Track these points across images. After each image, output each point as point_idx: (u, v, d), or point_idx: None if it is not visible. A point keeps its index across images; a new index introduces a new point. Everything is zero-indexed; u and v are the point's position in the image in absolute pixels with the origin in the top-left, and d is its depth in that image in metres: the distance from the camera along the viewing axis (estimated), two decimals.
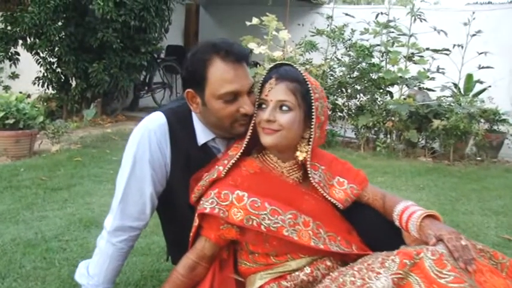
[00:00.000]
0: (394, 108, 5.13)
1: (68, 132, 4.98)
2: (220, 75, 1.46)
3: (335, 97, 5.65)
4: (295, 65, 1.53)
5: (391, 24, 5.45)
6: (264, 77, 1.52)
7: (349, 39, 5.51)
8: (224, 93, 1.46)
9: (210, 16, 10.35)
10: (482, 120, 5.29)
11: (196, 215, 1.46)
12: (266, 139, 1.45)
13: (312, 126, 1.47)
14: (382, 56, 5.52)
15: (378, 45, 5.35)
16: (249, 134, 1.50)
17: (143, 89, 7.47)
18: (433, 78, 5.21)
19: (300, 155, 1.49)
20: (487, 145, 5.21)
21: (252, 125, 1.50)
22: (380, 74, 5.41)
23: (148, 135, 1.55)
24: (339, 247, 1.46)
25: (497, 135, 5.38)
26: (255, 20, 5.70)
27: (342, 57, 5.52)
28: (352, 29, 5.52)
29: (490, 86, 5.63)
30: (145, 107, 7.76)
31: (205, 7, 10.14)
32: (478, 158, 5.21)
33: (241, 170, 1.47)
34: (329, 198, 1.50)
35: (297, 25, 7.24)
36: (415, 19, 5.18)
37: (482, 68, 4.98)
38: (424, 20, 5.27)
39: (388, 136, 5.39)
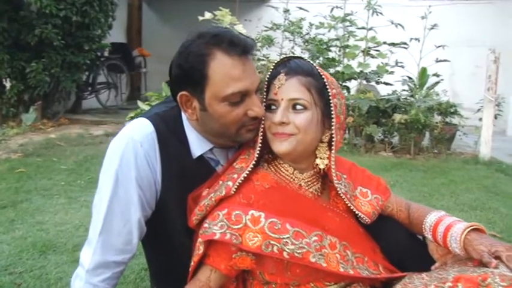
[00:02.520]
0: (354, 103, 5.05)
1: (5, 139, 4.48)
2: (226, 72, 1.20)
3: None
4: (306, 58, 1.30)
5: (348, 18, 5.37)
6: (270, 73, 1.28)
7: (307, 34, 5.37)
8: (231, 93, 1.21)
9: (153, 12, 9.91)
10: (436, 113, 5.34)
11: (199, 241, 1.20)
12: (279, 146, 1.21)
13: (333, 128, 1.25)
14: (339, 51, 5.43)
15: (337, 39, 5.24)
16: (260, 140, 1.26)
17: (86, 90, 6.95)
18: (392, 72, 5.17)
19: (321, 163, 1.27)
20: (445, 137, 5.27)
21: (261, 130, 1.26)
22: (338, 69, 5.31)
23: (133, 147, 1.26)
24: (368, 270, 1.26)
25: (450, 128, 5.46)
26: (207, 15, 5.44)
27: (302, 52, 5.36)
28: (310, 23, 5.38)
29: (442, 80, 5.69)
30: (90, 108, 7.27)
31: (148, 3, 9.69)
32: (435, 151, 5.26)
33: (254, 185, 1.22)
34: (357, 212, 1.30)
35: (244, 20, 7.03)
36: (372, 13, 5.11)
37: (440, 61, 5.00)
38: (381, 13, 5.23)
39: (347, 132, 5.31)
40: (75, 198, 3.11)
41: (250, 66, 1.24)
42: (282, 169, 1.28)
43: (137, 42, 9.21)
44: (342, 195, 1.28)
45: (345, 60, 5.35)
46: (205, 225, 1.19)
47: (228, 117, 1.23)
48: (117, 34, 7.88)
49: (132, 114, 5.25)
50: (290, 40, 5.50)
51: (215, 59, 1.20)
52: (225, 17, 5.51)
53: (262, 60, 5.38)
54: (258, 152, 1.24)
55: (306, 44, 5.34)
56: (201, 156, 1.33)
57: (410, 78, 5.51)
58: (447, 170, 4.44)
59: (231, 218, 1.16)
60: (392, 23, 5.08)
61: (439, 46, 4.86)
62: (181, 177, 1.30)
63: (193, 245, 1.28)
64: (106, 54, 7.26)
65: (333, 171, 1.27)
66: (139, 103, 5.39)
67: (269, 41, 5.28)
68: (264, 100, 1.27)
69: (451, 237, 1.21)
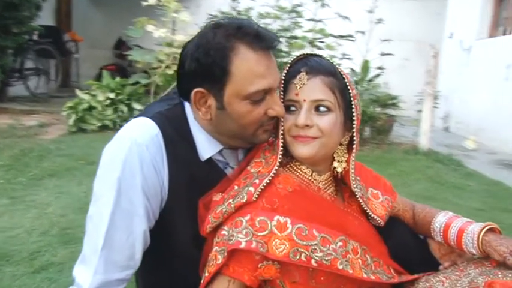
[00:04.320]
0: None
1: None
2: (250, 68, 1.10)
3: None
4: (324, 56, 1.24)
5: (295, 9, 5.37)
6: (286, 71, 1.20)
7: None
8: (255, 91, 1.11)
9: None
10: (378, 105, 5.53)
11: (216, 250, 1.09)
12: (302, 149, 1.15)
13: (354, 130, 1.21)
14: (286, 42, 5.41)
15: (287, 29, 5.22)
16: (281, 143, 1.18)
17: (13, 76, 6.39)
18: (339, 65, 5.24)
19: (339, 166, 1.22)
20: (387, 129, 5.47)
21: (281, 132, 1.18)
22: (285, 60, 5.30)
23: (138, 151, 1.11)
24: (385, 275, 1.23)
25: (389, 119, 5.68)
26: (151, 0, 5.21)
27: None
28: (259, 13, 5.31)
29: (383, 73, 5.88)
30: (16, 96, 6.71)
31: None
32: (376, 142, 5.45)
33: (277, 189, 1.14)
34: (372, 216, 1.26)
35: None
36: (322, 5, 5.14)
37: (384, 54, 5.16)
38: (327, 5, 5.28)
39: None
40: (19, 198, 2.82)
41: (273, 62, 1.16)
42: (300, 171, 1.21)
43: (66, 26, 8.65)
44: (359, 198, 1.24)
45: (292, 52, 5.34)
46: (224, 232, 1.09)
47: (248, 116, 1.13)
48: (44, 17, 7.31)
49: (70, 104, 4.91)
50: None
51: (239, 53, 1.09)
52: (170, 3, 5.29)
53: None
54: (280, 155, 1.16)
55: None
56: (209, 159, 1.22)
57: (353, 70, 5.64)
58: (393, 160, 4.60)
59: (254, 224, 1.07)
60: (339, 15, 5.15)
61: (384, 40, 5.01)
62: (189, 182, 1.18)
63: (202, 255, 1.19)
64: (35, 37, 6.71)
65: (352, 174, 1.22)
66: (78, 92, 5.06)
67: None
68: (282, 100, 1.19)
69: (467, 238, 1.21)
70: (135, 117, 1.22)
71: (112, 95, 4.73)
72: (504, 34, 6.93)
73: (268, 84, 1.12)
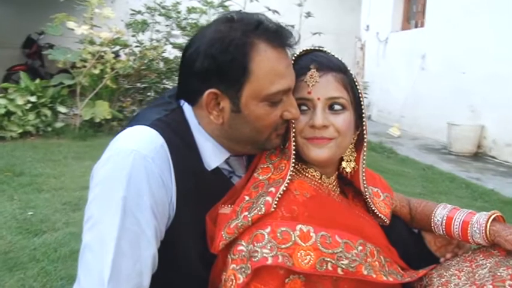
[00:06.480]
0: None
1: None
2: (271, 66, 1.00)
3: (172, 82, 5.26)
4: (329, 51, 1.18)
5: (223, 3, 5.29)
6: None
7: (185, 19, 5.12)
8: (276, 92, 1.02)
9: None
10: None
11: (233, 268, 0.99)
12: (318, 152, 1.08)
13: (364, 127, 1.16)
14: None
15: None
16: (293, 147, 1.10)
17: None
18: None
19: (347, 166, 1.17)
20: None
21: (293, 135, 1.10)
22: None
23: (144, 165, 0.97)
24: (398, 275, 1.20)
25: None
26: None
27: (183, 37, 5.12)
28: (188, 7, 5.15)
29: None
30: None
31: None
32: None
33: (294, 196, 1.06)
34: (379, 215, 1.23)
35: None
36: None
37: (315, 47, 5.24)
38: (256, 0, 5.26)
39: None
40: None
41: (290, 61, 1.07)
42: (308, 174, 1.14)
43: None
44: (368, 199, 1.21)
45: None
46: (241, 248, 1.00)
47: (266, 119, 1.04)
48: None
49: None
50: (166, 25, 5.18)
51: (260, 50, 0.99)
52: None
53: (137, 46, 5.00)
54: (293, 160, 1.08)
55: (184, 29, 5.09)
56: (215, 168, 1.11)
57: None
58: None
59: (276, 236, 0.98)
60: (269, 9, 5.14)
61: (315, 33, 5.09)
62: (196, 195, 1.06)
63: (210, 274, 1.09)
64: None
65: (363, 174, 1.18)
66: None
67: (145, 26, 4.90)
68: None
69: (473, 229, 1.21)
70: (129, 125, 1.07)
71: (33, 98, 4.32)
72: (416, 27, 7.39)
73: (288, 84, 1.04)
